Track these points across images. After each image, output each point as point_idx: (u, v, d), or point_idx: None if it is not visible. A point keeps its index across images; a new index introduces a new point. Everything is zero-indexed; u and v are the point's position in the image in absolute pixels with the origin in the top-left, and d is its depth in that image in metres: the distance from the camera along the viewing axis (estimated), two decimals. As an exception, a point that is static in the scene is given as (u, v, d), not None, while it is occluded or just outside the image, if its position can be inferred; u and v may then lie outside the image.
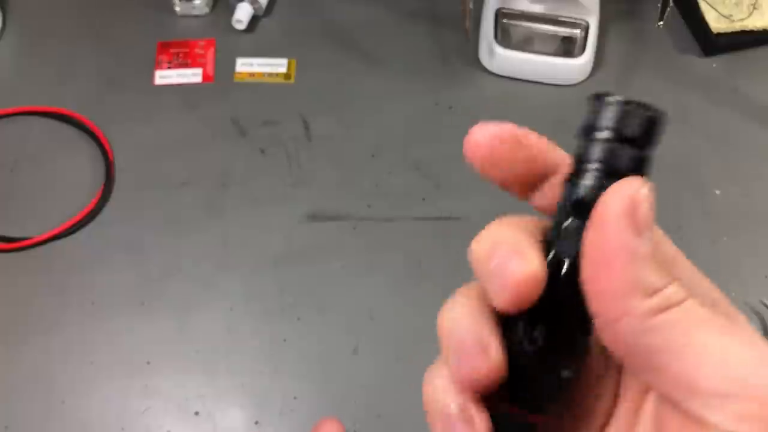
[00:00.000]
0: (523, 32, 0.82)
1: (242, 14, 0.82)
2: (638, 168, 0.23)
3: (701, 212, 0.74)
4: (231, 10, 0.83)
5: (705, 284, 0.24)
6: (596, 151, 0.23)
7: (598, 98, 0.24)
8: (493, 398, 0.24)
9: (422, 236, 0.72)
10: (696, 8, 0.84)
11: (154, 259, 0.71)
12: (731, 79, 0.83)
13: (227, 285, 0.70)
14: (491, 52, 0.81)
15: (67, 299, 0.69)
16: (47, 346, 0.66)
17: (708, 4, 0.84)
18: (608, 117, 0.23)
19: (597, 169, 0.23)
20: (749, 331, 0.22)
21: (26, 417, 0.64)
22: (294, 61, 0.83)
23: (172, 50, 0.83)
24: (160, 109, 0.79)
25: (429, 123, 0.79)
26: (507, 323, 0.24)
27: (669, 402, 0.22)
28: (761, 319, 0.68)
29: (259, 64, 0.82)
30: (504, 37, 0.81)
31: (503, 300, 0.23)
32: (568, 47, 0.81)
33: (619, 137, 0.23)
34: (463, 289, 0.25)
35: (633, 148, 0.23)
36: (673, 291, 0.21)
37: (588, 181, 0.23)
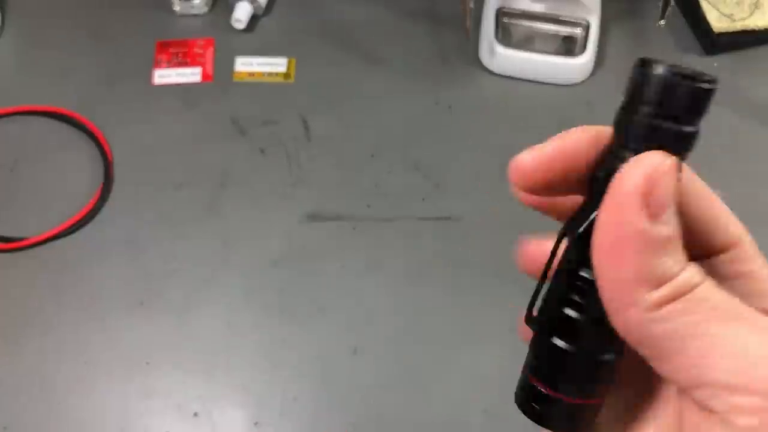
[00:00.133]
0: (523, 31, 0.82)
1: (241, 13, 0.82)
2: (680, 146, 0.21)
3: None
4: (230, 9, 0.83)
5: None
6: (634, 127, 0.22)
7: (642, 66, 0.22)
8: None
9: (422, 236, 0.72)
10: (697, 7, 0.84)
11: (154, 258, 0.71)
12: (732, 78, 0.82)
13: (227, 285, 0.69)
14: (492, 52, 0.80)
15: (66, 299, 0.68)
16: (46, 346, 0.66)
17: (709, 3, 0.84)
18: (650, 90, 0.21)
19: (633, 149, 0.22)
20: (762, 317, 0.21)
21: (25, 417, 0.63)
22: (294, 61, 0.82)
23: (171, 50, 0.83)
24: (159, 108, 0.79)
25: (429, 123, 0.79)
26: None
27: (683, 390, 0.21)
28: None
29: (258, 64, 0.82)
30: (504, 37, 0.81)
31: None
32: (569, 46, 0.81)
33: (661, 113, 0.21)
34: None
35: (676, 123, 0.21)
36: (687, 276, 0.21)
37: (619, 160, 0.22)
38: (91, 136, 0.77)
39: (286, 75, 0.82)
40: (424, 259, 0.71)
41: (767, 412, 0.19)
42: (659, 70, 0.21)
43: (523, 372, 0.26)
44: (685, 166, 0.22)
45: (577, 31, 0.81)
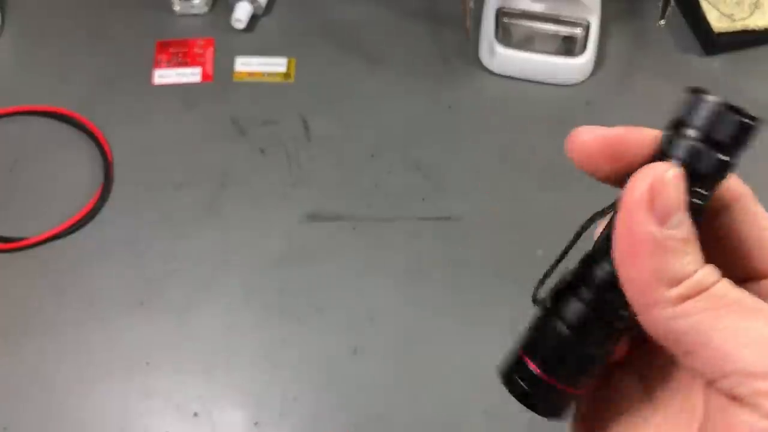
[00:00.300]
0: (523, 31, 0.81)
1: (241, 13, 0.82)
2: (717, 172, 0.23)
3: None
4: (230, 9, 0.83)
5: None
6: (679, 147, 0.23)
7: (695, 94, 0.23)
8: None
9: (422, 236, 0.72)
10: (697, 7, 0.84)
11: (154, 258, 0.71)
12: (732, 78, 0.82)
13: (227, 285, 0.69)
14: (492, 52, 0.80)
15: (66, 299, 0.68)
16: (46, 347, 0.66)
17: (709, 3, 0.84)
18: (700, 115, 0.23)
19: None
20: None
21: (25, 417, 0.63)
22: (293, 61, 0.82)
23: (171, 49, 0.83)
24: (159, 108, 0.79)
25: (429, 123, 0.79)
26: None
27: (709, 381, 0.23)
28: None
29: (258, 64, 0.82)
30: (505, 37, 0.81)
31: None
32: (569, 46, 0.81)
33: (707, 139, 0.23)
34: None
35: (718, 152, 0.23)
36: (702, 275, 0.22)
37: None
38: (91, 136, 0.77)
39: (286, 75, 0.82)
40: (424, 259, 0.71)
41: None
42: (713, 99, 0.23)
43: (516, 346, 0.26)
44: (746, 192, 0.25)
45: (577, 31, 0.81)
